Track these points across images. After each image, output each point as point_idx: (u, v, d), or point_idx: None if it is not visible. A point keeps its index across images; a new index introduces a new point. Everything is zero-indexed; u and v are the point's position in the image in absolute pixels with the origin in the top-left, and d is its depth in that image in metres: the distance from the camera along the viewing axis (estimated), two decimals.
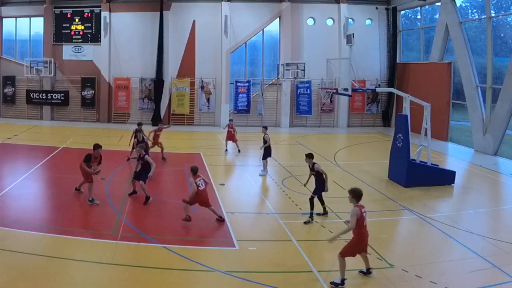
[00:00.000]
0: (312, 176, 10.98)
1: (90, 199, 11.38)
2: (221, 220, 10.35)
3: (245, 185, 13.82)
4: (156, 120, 26.07)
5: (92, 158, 11.67)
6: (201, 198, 10.16)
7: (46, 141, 20.39)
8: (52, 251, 8.42)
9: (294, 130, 25.67)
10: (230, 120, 19.62)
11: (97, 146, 11.82)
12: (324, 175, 10.73)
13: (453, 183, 13.99)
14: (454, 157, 18.89)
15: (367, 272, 7.82)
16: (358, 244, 7.54)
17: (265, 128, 16.05)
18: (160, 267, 7.94)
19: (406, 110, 14.06)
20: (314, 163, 10.89)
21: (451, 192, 13.64)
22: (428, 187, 13.52)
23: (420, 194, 12.99)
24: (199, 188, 10.08)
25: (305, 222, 10.42)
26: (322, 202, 10.96)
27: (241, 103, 26.58)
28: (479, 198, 13.34)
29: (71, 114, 26.88)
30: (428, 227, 10.41)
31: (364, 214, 7.54)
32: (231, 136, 18.60)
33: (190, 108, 26.69)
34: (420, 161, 14.14)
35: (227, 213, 10.96)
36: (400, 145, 13.98)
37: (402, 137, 13.87)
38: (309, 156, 11.01)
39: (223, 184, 13.74)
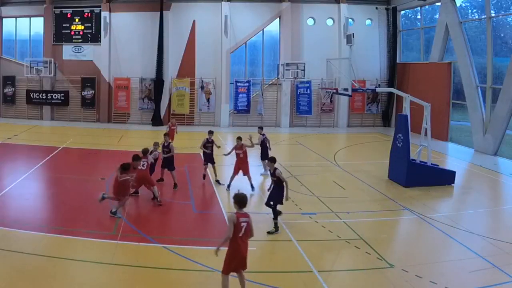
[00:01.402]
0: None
1: (113, 211, 10.49)
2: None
3: (245, 185, 13.80)
4: (156, 120, 26.12)
5: (131, 168, 10.81)
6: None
7: (46, 141, 20.39)
8: (52, 251, 8.42)
9: (294, 130, 25.67)
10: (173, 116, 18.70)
11: (137, 158, 11.15)
12: (284, 183, 9.75)
13: (453, 183, 13.99)
14: (454, 157, 18.89)
15: None
16: (231, 257, 6.54)
17: (261, 128, 15.87)
18: (160, 267, 7.94)
19: (406, 110, 14.07)
20: (275, 169, 9.97)
21: (451, 192, 13.64)
22: (428, 187, 13.52)
23: (420, 194, 12.99)
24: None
25: (268, 232, 9.67)
26: (275, 216, 9.86)
27: (241, 103, 26.58)
28: (479, 198, 13.34)
29: (71, 114, 26.88)
30: (428, 227, 10.41)
31: (242, 224, 6.54)
32: (172, 134, 17.36)
33: (190, 108, 26.68)
34: (420, 161, 14.14)
35: (227, 213, 10.96)
36: (400, 145, 13.97)
37: (402, 137, 13.87)
38: (271, 160, 10.13)
39: (223, 184, 13.72)
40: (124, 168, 10.55)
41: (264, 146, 14.94)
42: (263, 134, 15.17)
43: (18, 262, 7.91)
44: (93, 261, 8.03)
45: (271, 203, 9.93)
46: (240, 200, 6.72)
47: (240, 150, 13.08)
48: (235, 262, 6.55)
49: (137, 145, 18.15)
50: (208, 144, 13.82)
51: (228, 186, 12.95)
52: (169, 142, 13.45)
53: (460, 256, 8.88)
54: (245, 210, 6.81)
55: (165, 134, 13.83)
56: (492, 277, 7.89)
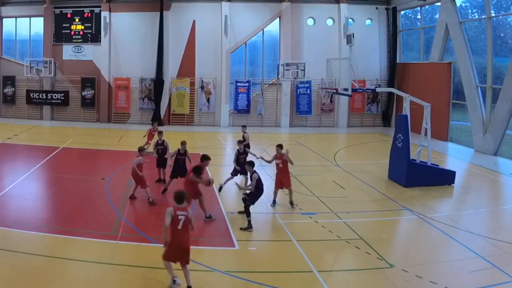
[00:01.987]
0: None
1: (208, 215, 10.45)
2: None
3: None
4: (156, 120, 26.06)
5: (202, 169, 10.52)
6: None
7: (46, 141, 20.39)
8: (52, 251, 8.42)
9: (294, 130, 25.67)
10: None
11: (206, 157, 10.84)
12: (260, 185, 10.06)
13: (453, 183, 13.99)
14: (454, 157, 18.89)
15: None
16: (171, 247, 6.97)
17: (244, 127, 15.95)
18: (160, 267, 7.93)
19: (406, 110, 14.07)
20: (254, 172, 10.17)
21: (451, 192, 13.64)
22: (428, 187, 13.52)
23: (420, 194, 12.99)
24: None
25: (241, 228, 9.84)
26: (248, 214, 10.03)
27: (241, 103, 26.58)
28: (479, 198, 13.34)
29: (71, 114, 26.87)
30: (428, 227, 10.41)
31: (179, 217, 6.89)
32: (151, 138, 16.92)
33: (190, 108, 26.68)
34: (420, 161, 14.14)
35: (227, 213, 10.96)
36: (400, 145, 13.97)
37: (402, 137, 13.87)
38: (250, 164, 10.37)
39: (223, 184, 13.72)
40: (198, 171, 10.17)
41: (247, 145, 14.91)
42: (246, 133, 15.24)
43: (18, 262, 7.91)
44: (93, 261, 8.03)
45: (247, 201, 10.10)
46: (177, 196, 7.17)
47: (280, 159, 11.55)
48: (175, 253, 7.02)
49: (137, 145, 18.18)
50: (180, 157, 12.45)
51: (273, 202, 11.66)
52: (163, 140, 13.38)
53: (460, 256, 8.88)
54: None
55: (159, 132, 13.81)
56: (492, 277, 7.89)
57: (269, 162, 12.12)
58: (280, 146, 11.65)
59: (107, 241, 8.97)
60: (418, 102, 14.25)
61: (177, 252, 7.00)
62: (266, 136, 22.90)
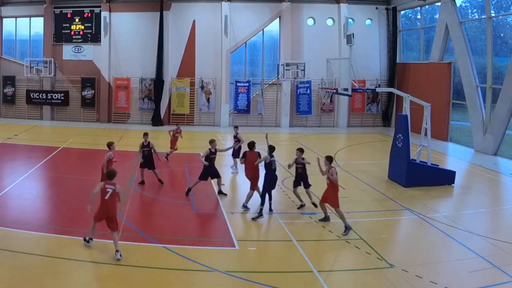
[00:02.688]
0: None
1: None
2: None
3: (245, 185, 13.79)
4: (156, 120, 26.10)
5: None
6: None
7: (46, 141, 20.38)
8: (52, 251, 8.42)
9: (294, 130, 25.67)
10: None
11: (253, 144, 11.84)
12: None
13: (453, 183, 13.99)
14: (454, 157, 18.89)
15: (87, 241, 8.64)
16: (98, 212, 8.50)
17: (237, 127, 16.17)
18: (160, 267, 7.94)
19: (406, 110, 14.07)
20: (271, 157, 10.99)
21: (451, 192, 13.64)
22: (428, 187, 13.52)
23: (420, 194, 12.99)
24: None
25: (252, 218, 10.52)
26: (262, 202, 10.78)
27: (241, 103, 26.58)
28: (479, 198, 13.33)
29: (71, 114, 26.87)
30: (428, 227, 10.41)
31: (107, 190, 8.38)
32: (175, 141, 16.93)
33: (190, 108, 26.68)
34: (420, 161, 14.14)
35: (227, 213, 10.96)
36: (400, 145, 13.97)
37: (402, 137, 13.87)
38: (271, 149, 11.18)
39: (223, 184, 13.71)
40: (260, 155, 11.48)
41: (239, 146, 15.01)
42: (238, 133, 15.40)
43: (18, 262, 7.91)
44: (93, 261, 8.03)
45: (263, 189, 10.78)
46: (109, 174, 8.73)
47: (300, 164, 11.49)
48: (101, 216, 8.47)
49: (137, 145, 18.18)
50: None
51: (301, 206, 11.52)
52: (149, 141, 13.16)
53: (460, 256, 8.88)
54: None
55: (145, 134, 13.43)
56: (492, 277, 7.90)
57: (290, 166, 11.59)
58: (300, 151, 11.46)
59: (107, 241, 8.96)
60: (418, 102, 14.25)
61: (103, 216, 8.48)
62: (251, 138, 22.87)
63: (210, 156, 12.30)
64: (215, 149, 12.41)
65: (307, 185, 11.49)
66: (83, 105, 26.88)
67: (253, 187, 11.41)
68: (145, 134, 13.43)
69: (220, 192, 12.55)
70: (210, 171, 12.27)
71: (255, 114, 26.71)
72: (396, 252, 9.18)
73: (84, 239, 8.68)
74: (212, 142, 12.48)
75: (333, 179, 9.87)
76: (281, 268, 8.22)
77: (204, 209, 11.57)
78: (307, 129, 26.18)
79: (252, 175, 11.47)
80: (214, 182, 12.85)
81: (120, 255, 8.09)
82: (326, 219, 10.41)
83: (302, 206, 11.43)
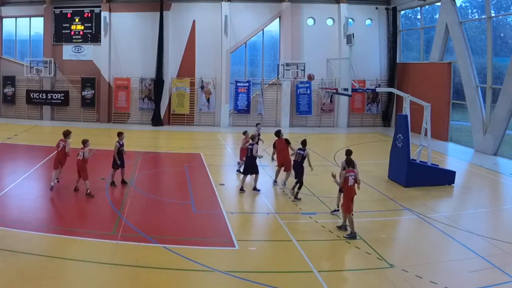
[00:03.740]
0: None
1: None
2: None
3: (245, 185, 13.81)
4: (156, 120, 26.08)
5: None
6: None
7: (46, 141, 20.33)
8: (52, 251, 8.43)
9: (294, 130, 25.63)
10: None
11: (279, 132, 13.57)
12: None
13: (453, 183, 13.99)
14: (454, 157, 18.89)
15: None
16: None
17: (259, 124, 16.38)
18: (160, 267, 7.94)
19: (406, 110, 14.07)
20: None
21: (451, 192, 13.64)
22: (428, 187, 13.52)
23: (420, 194, 12.99)
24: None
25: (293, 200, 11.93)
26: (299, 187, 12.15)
27: (241, 103, 26.58)
28: (479, 198, 13.34)
29: (71, 114, 26.86)
30: (428, 227, 10.41)
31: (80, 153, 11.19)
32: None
33: (190, 108, 26.67)
34: (420, 161, 14.14)
35: (227, 213, 10.97)
36: (400, 145, 13.97)
37: (402, 137, 13.87)
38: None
39: (223, 184, 13.74)
40: (287, 141, 13.42)
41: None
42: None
43: (18, 262, 7.91)
44: (93, 261, 8.03)
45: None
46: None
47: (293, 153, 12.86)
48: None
49: (137, 145, 18.22)
50: (121, 148, 13.03)
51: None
52: (124, 141, 13.06)
53: (460, 256, 8.89)
54: None
55: (119, 133, 13.23)
56: (492, 277, 7.90)
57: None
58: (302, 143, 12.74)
59: (107, 241, 8.97)
60: (418, 102, 14.24)
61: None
62: (266, 136, 22.88)
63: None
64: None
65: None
66: (83, 105, 26.87)
67: (287, 169, 13.13)
68: (120, 134, 13.21)
69: (254, 188, 12.91)
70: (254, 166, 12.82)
71: (255, 114, 26.69)
72: (396, 252, 9.17)
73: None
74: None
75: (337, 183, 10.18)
76: (281, 268, 8.22)
77: (204, 209, 11.58)
78: (307, 129, 26.17)
79: (282, 159, 13.27)
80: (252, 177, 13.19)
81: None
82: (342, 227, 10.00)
83: (336, 210, 11.14)
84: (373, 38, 27.20)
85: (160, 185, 13.84)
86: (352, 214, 9.61)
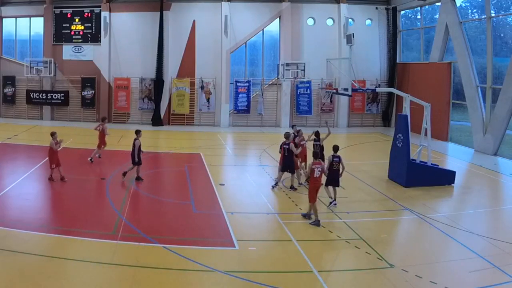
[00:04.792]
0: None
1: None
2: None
3: (245, 185, 13.82)
4: (156, 120, 26.07)
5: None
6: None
7: (46, 141, 20.22)
8: (52, 251, 8.42)
9: None
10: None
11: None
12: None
13: (453, 183, 13.99)
14: (454, 157, 18.89)
15: None
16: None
17: (295, 125, 16.55)
18: (160, 267, 7.94)
19: (406, 110, 14.07)
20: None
21: (451, 192, 13.64)
22: (428, 187, 13.52)
23: (420, 194, 12.99)
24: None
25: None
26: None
27: (241, 103, 26.58)
28: (479, 198, 13.33)
29: (71, 114, 26.87)
30: (428, 227, 10.41)
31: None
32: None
33: (190, 108, 26.68)
34: (420, 161, 14.14)
35: (227, 213, 10.97)
36: (400, 145, 13.97)
37: (402, 137, 13.87)
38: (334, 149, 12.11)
39: (223, 184, 13.74)
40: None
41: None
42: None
43: (18, 262, 7.91)
44: (93, 261, 8.03)
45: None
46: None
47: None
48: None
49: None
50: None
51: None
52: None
53: (460, 256, 8.89)
54: None
55: (138, 131, 14.07)
56: (492, 277, 7.89)
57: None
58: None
59: (107, 241, 8.97)
60: (418, 102, 14.24)
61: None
62: (266, 136, 22.92)
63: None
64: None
65: (292, 171, 12.95)
66: (83, 105, 26.87)
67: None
68: (139, 132, 14.02)
69: (291, 186, 13.12)
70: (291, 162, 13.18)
71: (255, 114, 26.70)
72: (396, 252, 9.17)
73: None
74: (138, 132, 13.86)
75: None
76: (281, 268, 8.22)
77: (204, 209, 11.58)
78: (307, 129, 26.06)
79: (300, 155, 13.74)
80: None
81: None
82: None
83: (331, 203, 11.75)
84: (373, 38, 27.20)
85: (160, 185, 13.85)
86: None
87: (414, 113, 15.09)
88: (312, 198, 10.35)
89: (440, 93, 22.51)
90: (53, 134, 13.68)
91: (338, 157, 11.74)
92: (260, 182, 14.09)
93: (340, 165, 11.73)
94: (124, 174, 13.60)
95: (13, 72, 26.88)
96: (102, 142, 16.41)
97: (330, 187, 11.72)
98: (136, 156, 13.45)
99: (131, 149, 13.62)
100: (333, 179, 11.64)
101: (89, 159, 15.98)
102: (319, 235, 9.83)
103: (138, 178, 13.56)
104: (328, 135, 14.36)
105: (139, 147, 13.57)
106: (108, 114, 26.68)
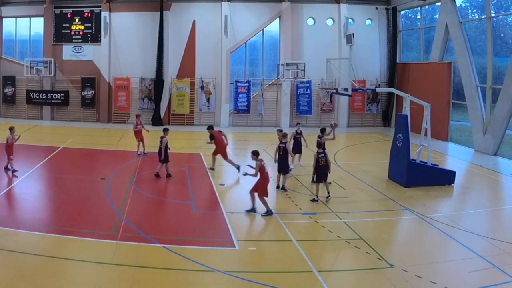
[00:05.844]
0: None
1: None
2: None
3: (245, 185, 13.81)
4: (156, 120, 26.06)
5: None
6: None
7: (46, 141, 20.37)
8: (52, 251, 8.42)
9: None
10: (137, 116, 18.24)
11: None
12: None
13: (453, 183, 13.98)
14: (454, 157, 18.88)
15: None
16: None
17: (299, 124, 17.37)
18: (160, 267, 7.94)
19: (406, 110, 14.06)
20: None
21: (451, 192, 13.64)
22: (428, 187, 13.51)
23: (420, 194, 12.99)
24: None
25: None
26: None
27: (241, 103, 26.58)
28: (479, 198, 13.33)
29: (71, 114, 26.87)
30: (428, 227, 10.41)
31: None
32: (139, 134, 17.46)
33: (190, 108, 26.68)
34: (420, 161, 14.13)
35: (227, 213, 10.97)
36: (400, 145, 13.97)
37: (402, 137, 13.87)
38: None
39: (223, 184, 13.74)
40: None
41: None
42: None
43: (18, 262, 7.91)
44: (93, 261, 8.03)
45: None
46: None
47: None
48: None
49: (136, 145, 18.16)
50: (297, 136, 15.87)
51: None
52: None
53: (460, 256, 8.88)
54: None
55: (165, 129, 14.74)
56: (492, 277, 7.89)
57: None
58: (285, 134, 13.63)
59: (107, 241, 8.97)
60: (418, 102, 14.24)
61: None
62: (266, 136, 22.91)
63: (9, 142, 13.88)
64: (18, 136, 14.17)
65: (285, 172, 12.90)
66: (83, 105, 26.87)
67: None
68: (166, 130, 14.67)
69: (282, 187, 13.07)
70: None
71: (255, 114, 26.70)
72: (396, 252, 9.17)
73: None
74: (11, 129, 14.04)
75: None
76: (281, 268, 8.22)
77: (204, 209, 11.58)
78: (307, 129, 26.08)
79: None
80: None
81: None
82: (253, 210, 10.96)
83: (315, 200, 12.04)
84: (373, 38, 27.20)
85: (160, 185, 13.84)
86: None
87: (414, 113, 15.08)
88: (264, 193, 10.80)
89: (440, 93, 22.51)
90: (11, 129, 14.14)
91: (324, 152, 12.18)
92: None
93: (326, 161, 12.14)
94: (157, 175, 13.97)
95: (13, 72, 26.88)
96: (139, 138, 17.38)
97: (321, 184, 12.01)
98: (163, 154, 13.85)
99: (157, 147, 14.13)
100: (323, 174, 11.94)
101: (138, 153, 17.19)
102: (319, 235, 9.84)
103: (168, 175, 14.07)
104: (331, 138, 14.51)
105: (166, 144, 13.97)
106: (108, 114, 26.75)
